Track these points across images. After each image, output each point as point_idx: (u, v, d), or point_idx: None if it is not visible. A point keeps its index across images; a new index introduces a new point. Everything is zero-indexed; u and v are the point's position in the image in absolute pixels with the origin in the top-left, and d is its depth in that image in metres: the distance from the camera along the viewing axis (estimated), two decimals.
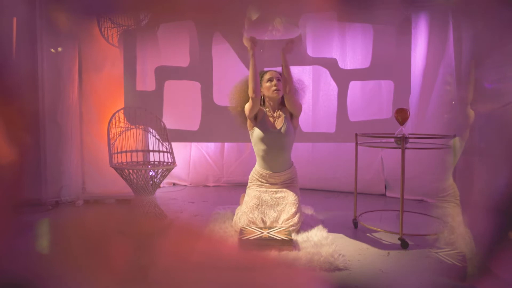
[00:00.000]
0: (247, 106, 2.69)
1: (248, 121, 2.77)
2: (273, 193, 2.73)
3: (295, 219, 2.58)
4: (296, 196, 2.71)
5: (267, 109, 2.78)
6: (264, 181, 2.78)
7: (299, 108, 2.75)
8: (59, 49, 3.45)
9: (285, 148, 2.76)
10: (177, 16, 3.61)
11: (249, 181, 2.87)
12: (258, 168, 2.82)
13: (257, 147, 2.76)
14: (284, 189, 2.74)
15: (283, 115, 2.75)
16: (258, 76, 2.66)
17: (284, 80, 2.66)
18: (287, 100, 2.71)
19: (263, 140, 2.71)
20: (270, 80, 2.72)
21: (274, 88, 2.69)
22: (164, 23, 3.69)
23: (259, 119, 2.75)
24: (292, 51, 2.69)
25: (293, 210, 2.61)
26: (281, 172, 2.77)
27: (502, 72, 1.78)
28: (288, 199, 2.68)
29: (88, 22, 3.61)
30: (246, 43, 2.68)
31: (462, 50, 3.35)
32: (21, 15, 3.12)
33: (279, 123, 2.74)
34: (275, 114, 2.76)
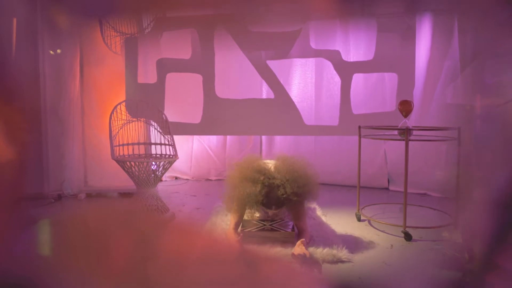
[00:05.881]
0: None
1: None
2: None
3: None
4: None
5: None
6: None
7: None
8: (58, 50, 3.45)
9: None
10: (179, 17, 3.62)
11: None
12: None
13: None
14: None
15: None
16: None
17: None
18: None
19: None
20: None
21: None
22: (167, 28, 3.70)
23: None
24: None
25: None
26: None
27: (504, 67, 1.76)
28: None
29: (89, 20, 3.59)
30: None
31: (467, 43, 3.32)
32: (22, 11, 3.10)
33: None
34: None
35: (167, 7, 3.53)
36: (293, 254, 2.03)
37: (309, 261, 2.02)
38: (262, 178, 2.24)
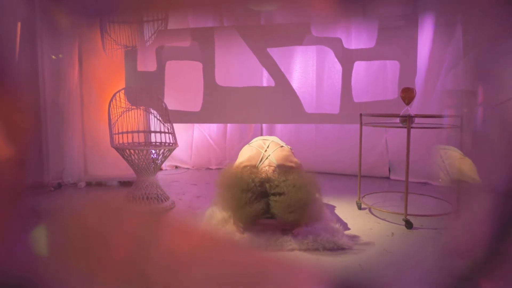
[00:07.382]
0: None
1: None
2: None
3: None
4: None
5: None
6: None
7: None
8: (60, 55, 3.42)
9: None
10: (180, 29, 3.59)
11: None
12: None
13: None
14: None
15: None
16: None
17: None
18: None
19: None
20: None
21: None
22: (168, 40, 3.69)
23: None
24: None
25: None
26: None
27: (504, 64, 1.73)
28: None
29: (88, 18, 3.54)
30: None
31: (470, 32, 3.27)
32: (22, 10, 3.06)
33: None
34: None
35: (166, 7, 3.48)
36: (292, 234, 2.16)
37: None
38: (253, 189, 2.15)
